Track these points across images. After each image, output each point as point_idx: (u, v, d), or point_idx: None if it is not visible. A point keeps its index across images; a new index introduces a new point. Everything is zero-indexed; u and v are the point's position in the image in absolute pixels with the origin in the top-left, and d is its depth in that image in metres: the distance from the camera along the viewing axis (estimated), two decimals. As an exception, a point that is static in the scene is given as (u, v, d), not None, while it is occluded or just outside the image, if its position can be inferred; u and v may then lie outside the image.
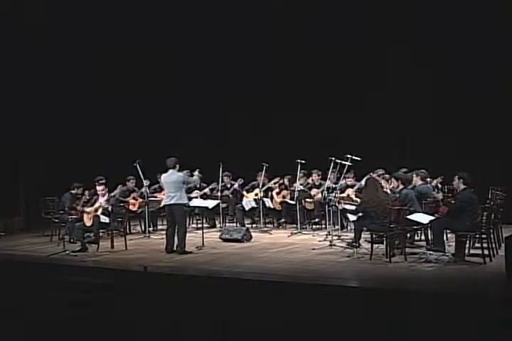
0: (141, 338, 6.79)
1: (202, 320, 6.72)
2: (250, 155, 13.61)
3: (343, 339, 6.24)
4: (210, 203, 11.13)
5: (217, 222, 13.20)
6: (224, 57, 14.64)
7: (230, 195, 12.94)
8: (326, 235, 10.66)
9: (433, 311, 6.14)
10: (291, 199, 12.33)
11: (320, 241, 10.47)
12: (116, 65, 14.28)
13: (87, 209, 10.42)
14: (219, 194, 12.48)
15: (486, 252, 8.27)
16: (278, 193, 12.82)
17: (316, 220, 12.34)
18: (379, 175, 10.66)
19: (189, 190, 11.62)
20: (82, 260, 9.45)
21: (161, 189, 12.10)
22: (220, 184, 12.58)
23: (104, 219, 10.29)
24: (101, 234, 10.45)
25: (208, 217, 13.09)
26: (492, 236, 8.70)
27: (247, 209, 12.49)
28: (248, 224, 12.71)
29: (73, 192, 11.80)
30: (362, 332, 6.14)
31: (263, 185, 12.61)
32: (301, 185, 12.11)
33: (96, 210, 10.33)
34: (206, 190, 12.61)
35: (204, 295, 7.22)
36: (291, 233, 11.56)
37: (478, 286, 7.08)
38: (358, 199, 10.21)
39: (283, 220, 12.72)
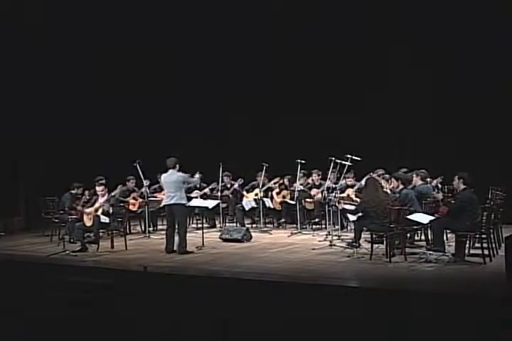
0: (141, 338, 6.79)
1: (202, 320, 6.72)
2: (250, 155, 13.61)
3: (343, 339, 6.24)
4: (210, 203, 11.13)
5: (217, 222, 13.20)
6: (224, 57, 14.64)
7: (230, 195, 12.94)
8: (326, 235, 10.66)
9: (433, 311, 6.14)
10: (291, 199, 12.33)
11: (320, 241, 10.47)
12: (116, 64, 14.28)
13: (87, 210, 10.42)
14: (219, 194, 12.48)
15: (486, 252, 8.27)
16: (278, 193, 12.82)
17: (316, 220, 12.34)
18: (379, 175, 10.66)
19: (189, 190, 11.63)
20: (82, 260, 9.45)
21: (161, 189, 12.10)
22: (220, 184, 12.58)
23: (104, 219, 10.29)
24: (101, 234, 10.45)
25: (208, 217, 13.09)
26: (492, 236, 8.70)
27: (247, 209, 12.49)
28: (248, 224, 12.71)
29: (73, 192, 11.81)
30: (362, 332, 6.14)
31: (263, 185, 12.61)
32: (301, 185, 12.11)
33: (96, 210, 10.33)
34: (206, 190, 12.61)
35: (204, 295, 7.22)
36: (291, 233, 11.56)
37: (478, 286, 7.08)
38: (358, 199, 10.21)
39: (283, 220, 12.72)
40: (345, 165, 10.63)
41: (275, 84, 14.26)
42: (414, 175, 10.01)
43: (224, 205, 12.70)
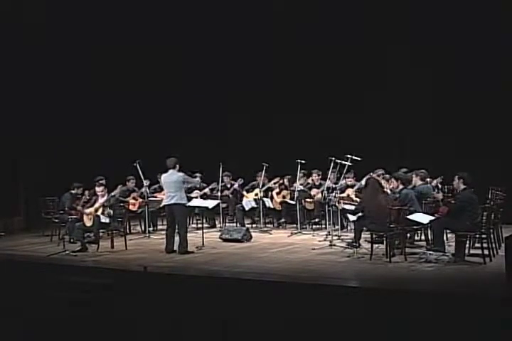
0: (141, 338, 6.79)
1: (202, 320, 6.72)
2: (250, 155, 13.61)
3: (343, 339, 6.24)
4: (210, 203, 11.12)
5: (217, 222, 13.20)
6: (224, 57, 14.64)
7: (230, 195, 12.94)
8: (326, 235, 10.66)
9: (433, 311, 6.14)
10: (291, 199, 12.33)
11: (320, 241, 10.47)
12: (116, 64, 14.28)
13: (87, 211, 10.41)
14: (219, 194, 12.48)
15: (486, 252, 8.27)
16: (278, 193, 12.82)
17: (316, 220, 12.34)
18: (379, 175, 10.66)
19: (189, 190, 11.63)
20: (82, 260, 9.45)
21: (161, 189, 12.09)
22: (220, 184, 12.58)
23: (105, 219, 10.29)
24: (101, 234, 10.45)
25: (208, 217, 13.09)
26: (492, 236, 8.70)
27: (247, 209, 12.49)
28: (248, 224, 12.71)
29: (73, 192, 11.81)
30: (362, 332, 6.14)
31: (263, 185, 12.61)
32: (301, 185, 12.11)
33: (96, 210, 10.33)
34: (206, 190, 12.61)
35: (204, 295, 7.22)
36: (291, 233, 11.56)
37: (478, 286, 7.08)
38: (358, 199, 10.21)
39: (283, 220, 12.72)
40: (345, 165, 10.62)
41: (275, 84, 14.26)
42: (413, 176, 10.01)
43: (224, 205, 12.70)
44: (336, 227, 10.98)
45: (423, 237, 9.93)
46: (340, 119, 13.29)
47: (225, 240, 11.02)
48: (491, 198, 9.76)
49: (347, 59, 13.25)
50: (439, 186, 10.77)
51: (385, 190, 9.82)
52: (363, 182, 10.37)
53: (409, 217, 8.85)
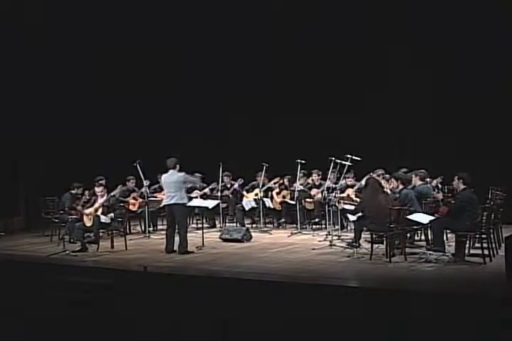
0: (141, 338, 6.79)
1: (202, 320, 6.72)
2: (250, 155, 13.61)
3: (343, 339, 6.24)
4: (210, 203, 11.13)
5: (217, 222, 13.20)
6: (224, 57, 14.64)
7: (230, 195, 12.94)
8: (326, 235, 10.66)
9: (433, 311, 6.14)
10: (291, 199, 12.33)
11: (320, 241, 10.47)
12: (116, 64, 14.28)
13: (87, 211, 10.41)
14: (219, 194, 12.48)
15: (486, 252, 8.27)
16: (278, 193, 12.82)
17: (316, 220, 12.34)
18: (379, 175, 10.66)
19: (189, 190, 11.62)
20: (82, 260, 9.45)
21: (161, 189, 12.09)
22: (220, 184, 12.58)
23: (105, 219, 10.29)
24: (101, 234, 10.45)
25: (208, 217, 13.09)
26: (492, 236, 8.70)
27: (247, 209, 12.49)
28: (248, 224, 12.71)
29: (73, 192, 11.81)
30: (362, 332, 6.14)
31: (263, 185, 12.61)
32: (301, 185, 12.11)
33: (96, 210, 10.33)
34: (206, 190, 12.61)
35: (204, 295, 7.22)
36: (291, 233, 11.56)
37: (478, 286, 7.08)
38: (358, 199, 10.21)
39: (283, 220, 12.72)
40: (345, 165, 10.62)
41: (275, 84, 14.26)
42: (413, 176, 10.01)
43: (224, 205, 12.70)
44: (336, 227, 10.98)
45: (423, 237, 9.93)
46: (340, 119, 13.29)
47: (225, 240, 11.02)
48: (491, 198, 9.76)
49: (347, 59, 13.25)
50: (439, 186, 10.77)
51: (385, 190, 9.82)
52: (363, 182, 10.37)
53: (409, 217, 8.85)
